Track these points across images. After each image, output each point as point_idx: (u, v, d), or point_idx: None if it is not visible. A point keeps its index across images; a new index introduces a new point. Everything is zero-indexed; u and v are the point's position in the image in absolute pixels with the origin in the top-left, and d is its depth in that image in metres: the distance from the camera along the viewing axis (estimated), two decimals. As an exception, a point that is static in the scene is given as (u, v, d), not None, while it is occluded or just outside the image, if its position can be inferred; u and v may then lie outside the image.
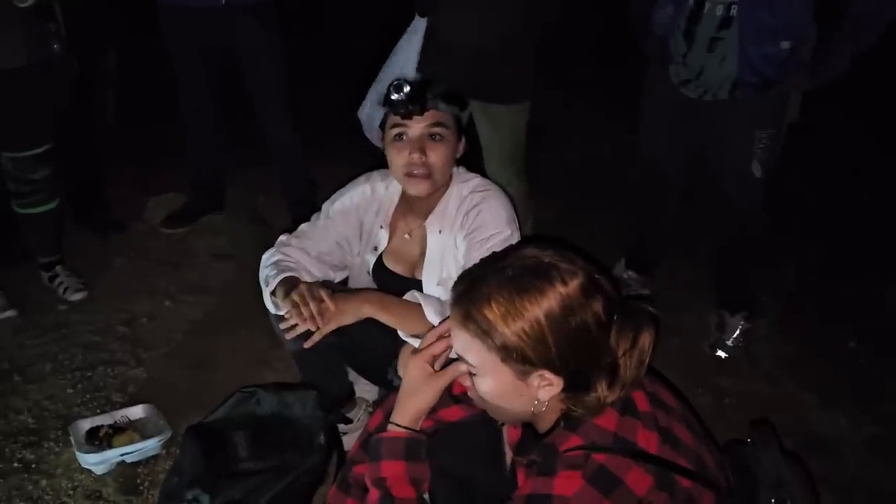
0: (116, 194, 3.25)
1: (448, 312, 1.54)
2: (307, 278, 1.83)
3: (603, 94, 4.39)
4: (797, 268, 3.08)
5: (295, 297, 1.66)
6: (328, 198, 1.97)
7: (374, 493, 1.28)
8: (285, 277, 1.76)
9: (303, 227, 1.93)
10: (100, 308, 2.67)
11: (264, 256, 1.87)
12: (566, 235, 3.10)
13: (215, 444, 1.76)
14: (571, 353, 1.13)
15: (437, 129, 1.75)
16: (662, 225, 2.82)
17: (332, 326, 1.66)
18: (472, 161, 2.63)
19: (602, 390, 1.13)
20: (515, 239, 1.75)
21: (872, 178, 3.75)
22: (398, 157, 1.76)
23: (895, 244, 3.21)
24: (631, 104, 2.64)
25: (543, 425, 1.25)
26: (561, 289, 1.12)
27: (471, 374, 1.22)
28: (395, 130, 1.76)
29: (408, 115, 1.73)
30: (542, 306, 1.11)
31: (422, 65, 2.57)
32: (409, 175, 1.77)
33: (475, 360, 1.18)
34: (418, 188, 1.78)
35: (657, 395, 1.22)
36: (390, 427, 1.31)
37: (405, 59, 2.60)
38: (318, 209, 1.97)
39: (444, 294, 1.75)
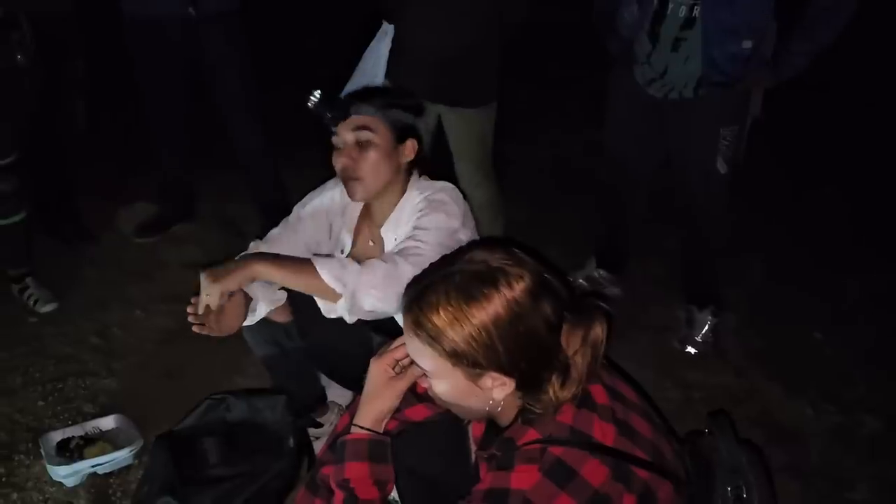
0: (86, 204, 3.22)
1: (349, 275, 1.57)
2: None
3: (573, 93, 4.44)
4: (763, 262, 3.13)
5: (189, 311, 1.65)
6: (299, 202, 1.98)
7: (339, 495, 1.29)
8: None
9: (273, 231, 1.93)
10: (71, 319, 2.65)
11: None
12: (537, 235, 3.18)
13: (185, 452, 1.76)
14: (521, 356, 1.15)
15: (362, 134, 1.73)
16: (629, 224, 2.86)
17: (218, 289, 1.59)
18: (442, 165, 2.68)
19: (555, 390, 1.16)
20: (459, 229, 1.71)
21: (834, 172, 3.83)
22: (335, 164, 1.77)
23: (857, 236, 3.28)
24: (601, 103, 2.67)
25: (504, 420, 1.27)
26: (507, 293, 1.13)
27: (427, 377, 1.24)
28: (333, 139, 1.77)
29: (332, 122, 1.73)
30: (488, 312, 1.13)
31: (390, 69, 2.59)
32: (345, 181, 1.78)
33: (428, 366, 1.20)
34: (353, 193, 1.78)
35: (616, 389, 1.25)
36: (353, 429, 1.33)
37: (374, 63, 2.62)
38: (290, 214, 1.98)
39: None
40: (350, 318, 1.63)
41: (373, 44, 2.64)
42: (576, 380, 1.16)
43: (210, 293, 1.60)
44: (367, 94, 1.80)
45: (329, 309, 1.64)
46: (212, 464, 1.76)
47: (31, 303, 2.68)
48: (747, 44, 2.22)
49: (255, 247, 1.88)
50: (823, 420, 2.32)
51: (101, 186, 3.43)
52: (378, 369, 1.33)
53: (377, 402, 1.32)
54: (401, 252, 1.64)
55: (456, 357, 1.15)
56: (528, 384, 1.18)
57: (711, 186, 2.46)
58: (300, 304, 1.92)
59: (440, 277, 1.18)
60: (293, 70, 4.50)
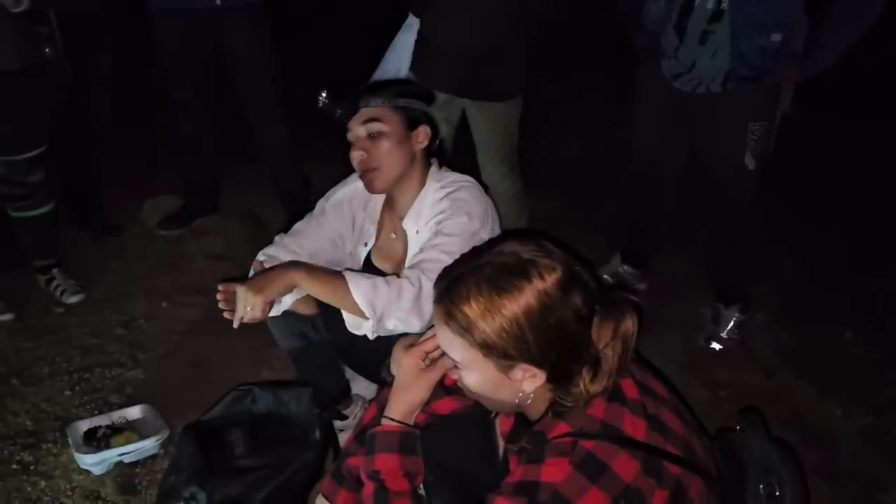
0: (112, 197, 3.26)
1: (379, 299, 1.60)
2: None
3: (601, 89, 4.40)
4: (792, 259, 3.09)
5: (219, 297, 1.66)
6: (322, 195, 1.99)
7: (369, 486, 1.29)
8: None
9: (297, 225, 1.94)
10: (97, 310, 2.68)
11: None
12: (562, 230, 3.15)
13: (212, 442, 1.77)
14: (552, 348, 1.14)
15: (372, 126, 1.74)
16: (657, 219, 2.83)
17: (261, 301, 1.61)
18: (466, 158, 2.67)
19: (585, 383, 1.14)
20: (479, 229, 1.71)
21: (865, 170, 3.76)
22: (352, 160, 1.79)
23: (888, 235, 3.22)
24: (628, 99, 2.65)
25: (534, 414, 1.26)
26: (539, 285, 1.13)
27: (457, 368, 1.23)
28: (348, 136, 1.79)
29: (344, 119, 1.75)
30: (520, 303, 1.12)
31: (414, 62, 2.59)
32: (362, 175, 1.79)
33: (458, 357, 1.19)
34: (372, 185, 1.79)
35: (646, 384, 1.23)
36: (384, 421, 1.32)
37: (399, 57, 2.62)
38: (313, 207, 1.98)
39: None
40: (372, 336, 1.67)
41: (398, 36, 2.64)
42: (606, 373, 1.15)
43: (253, 306, 1.61)
44: (374, 87, 1.81)
45: (355, 326, 1.67)
46: (238, 455, 1.76)
47: (58, 294, 2.71)
48: (776, 37, 2.18)
49: (279, 240, 1.89)
50: (854, 421, 2.28)
51: (127, 179, 3.46)
52: (409, 361, 1.32)
53: (408, 395, 1.32)
54: (425, 267, 1.64)
55: (487, 348, 1.14)
56: (559, 376, 1.17)
57: (740, 182, 2.43)
58: None
59: (471, 268, 1.18)
60: (318, 62, 4.52)
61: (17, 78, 2.36)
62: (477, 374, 1.20)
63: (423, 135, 1.80)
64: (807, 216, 3.41)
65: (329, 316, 1.93)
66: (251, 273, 1.73)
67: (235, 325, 1.63)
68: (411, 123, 1.79)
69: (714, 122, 2.38)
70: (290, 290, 1.66)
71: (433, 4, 2.49)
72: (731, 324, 2.61)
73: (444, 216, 1.73)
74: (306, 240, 1.89)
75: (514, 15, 2.46)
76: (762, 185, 2.45)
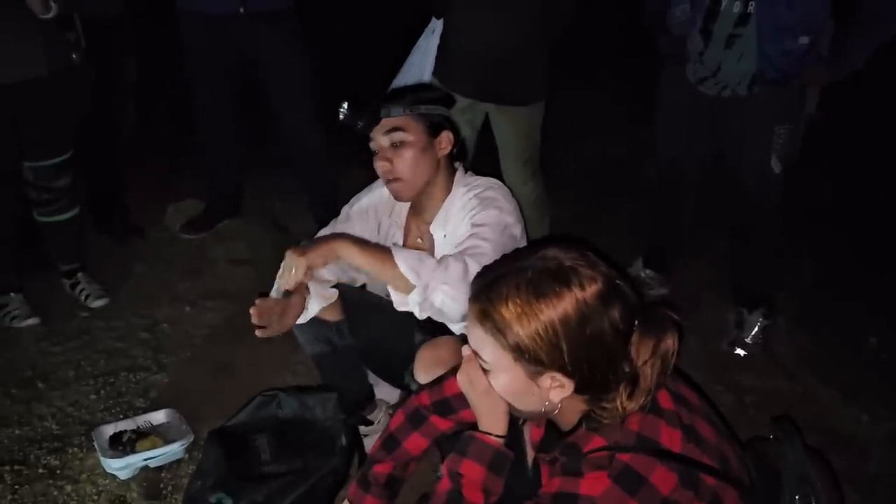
0: (136, 201, 3.29)
1: (425, 269, 1.56)
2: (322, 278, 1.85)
3: (621, 91, 4.39)
4: (816, 263, 3.06)
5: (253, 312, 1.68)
6: (348, 201, 2.00)
7: (445, 484, 1.27)
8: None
9: (321, 231, 1.94)
10: (121, 314, 2.70)
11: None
12: (583, 234, 3.10)
13: (237, 448, 1.77)
14: (585, 359, 1.13)
15: (395, 136, 1.74)
16: (679, 223, 2.82)
17: (304, 263, 1.59)
18: (488, 162, 2.67)
19: (623, 399, 1.13)
20: (512, 224, 1.70)
21: (890, 173, 3.72)
22: (377, 171, 1.79)
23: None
24: (649, 102, 2.64)
25: (565, 424, 1.25)
26: (578, 294, 1.12)
27: (485, 371, 1.22)
28: (371, 145, 1.78)
29: (365, 130, 1.74)
30: (557, 310, 1.11)
31: (437, 66, 2.59)
32: (387, 184, 1.79)
33: (489, 357, 1.18)
34: (398, 194, 1.80)
35: (680, 393, 1.22)
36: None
37: (422, 60, 2.63)
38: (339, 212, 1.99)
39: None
40: (420, 314, 1.61)
41: (421, 40, 2.65)
42: (644, 390, 1.13)
43: (297, 266, 1.59)
44: (394, 95, 1.80)
45: (401, 302, 1.62)
46: (264, 460, 1.77)
47: (83, 298, 2.73)
48: (804, 40, 2.17)
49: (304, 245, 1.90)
50: (880, 426, 2.26)
51: (151, 184, 3.49)
52: (466, 383, 1.28)
53: (491, 410, 1.27)
54: (466, 251, 1.63)
55: (518, 352, 1.14)
56: (588, 388, 1.16)
57: (765, 185, 2.42)
58: (351, 302, 1.93)
59: (512, 270, 1.17)
60: (342, 66, 4.53)
61: (46, 84, 2.38)
62: (504, 378, 1.19)
63: (445, 140, 1.80)
64: (830, 219, 3.39)
65: (354, 321, 1.94)
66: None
67: (254, 321, 1.66)
68: (434, 130, 1.78)
69: (740, 126, 2.36)
70: (335, 259, 1.63)
71: (456, 7, 2.49)
72: (756, 329, 2.59)
73: (475, 211, 1.73)
74: None
75: (537, 17, 2.46)
76: (786, 189, 2.43)
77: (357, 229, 1.92)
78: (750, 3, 2.14)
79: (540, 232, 2.76)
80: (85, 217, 2.83)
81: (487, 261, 1.42)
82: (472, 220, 1.71)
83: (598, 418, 1.16)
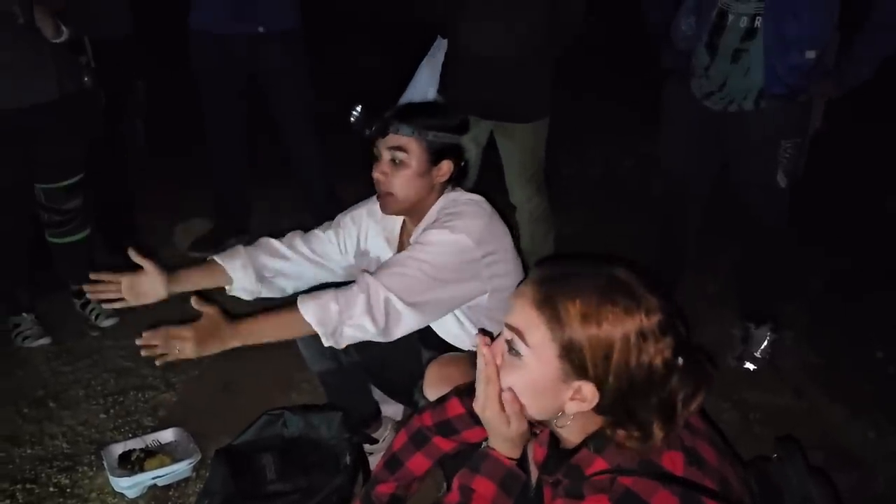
0: (146, 220, 3.32)
1: (330, 317, 1.59)
2: (276, 261, 1.91)
3: (628, 106, 4.40)
4: (823, 278, 3.05)
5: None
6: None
7: (455, 496, 1.27)
8: (211, 260, 1.86)
9: (314, 230, 2.00)
10: (130, 333, 2.64)
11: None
12: (588, 249, 3.15)
13: (243, 466, 1.79)
14: (626, 382, 1.13)
15: (396, 154, 1.75)
16: (685, 237, 2.81)
17: (191, 356, 1.64)
18: (493, 178, 2.70)
19: (657, 430, 1.12)
20: (468, 245, 1.69)
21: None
22: (373, 175, 1.80)
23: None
24: (655, 116, 2.65)
25: (567, 443, 1.25)
26: (644, 318, 1.12)
27: (511, 352, 1.18)
28: (374, 150, 1.80)
29: (370, 138, 1.76)
30: (622, 325, 1.11)
31: (442, 84, 2.62)
32: (378, 193, 1.81)
33: (533, 340, 1.15)
34: (383, 206, 1.81)
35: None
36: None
37: (427, 77, 2.66)
38: None
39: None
40: (338, 346, 1.67)
41: (427, 58, 2.68)
42: (678, 426, 1.14)
43: (186, 353, 1.64)
44: (408, 113, 1.79)
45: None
46: (269, 479, 1.78)
47: (93, 317, 2.76)
48: (810, 55, 2.17)
49: (290, 237, 1.97)
50: (888, 443, 2.24)
51: (161, 203, 3.53)
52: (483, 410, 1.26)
53: (505, 436, 1.26)
54: (384, 267, 1.67)
55: (568, 349, 1.12)
56: (611, 412, 1.16)
57: (771, 200, 2.41)
58: None
59: (587, 272, 1.17)
60: (350, 83, 4.57)
61: (57, 107, 2.41)
62: (537, 370, 1.15)
63: (445, 168, 1.80)
64: (837, 233, 3.37)
65: None
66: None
67: (159, 363, 1.66)
68: (436, 157, 1.78)
69: (745, 141, 2.36)
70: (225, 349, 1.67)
71: (459, 26, 2.52)
72: (765, 343, 2.58)
73: (429, 228, 1.74)
74: (317, 242, 1.96)
75: (541, 35, 2.48)
76: (792, 203, 2.43)
77: (343, 235, 1.96)
78: (757, 17, 2.15)
79: (545, 248, 2.78)
80: (95, 237, 2.87)
81: (396, 280, 1.55)
82: (421, 235, 1.73)
83: (606, 436, 1.16)
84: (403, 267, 1.65)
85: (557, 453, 1.28)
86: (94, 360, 2.59)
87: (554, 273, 1.18)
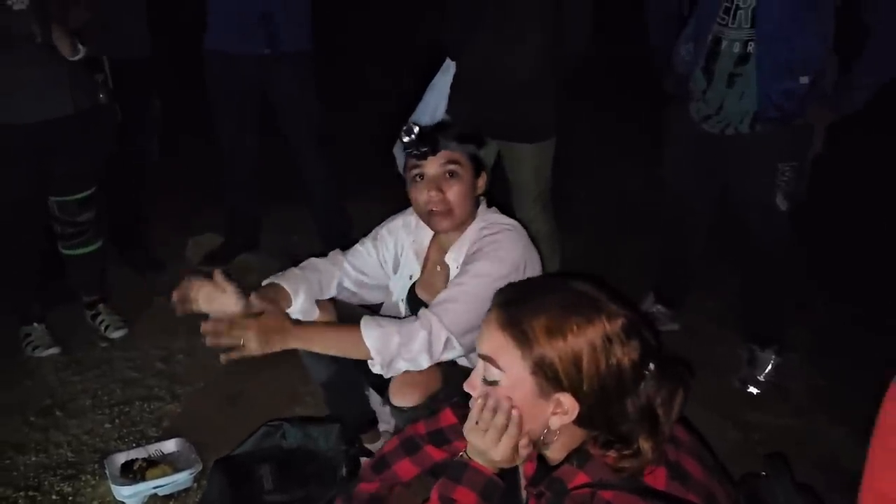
0: (158, 234, 3.39)
1: (389, 349, 1.63)
2: (331, 288, 1.94)
3: (635, 126, 4.41)
4: (828, 300, 3.03)
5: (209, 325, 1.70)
6: (363, 235, 2.07)
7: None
8: (276, 284, 1.85)
9: (355, 245, 2.03)
10: (139, 345, 2.76)
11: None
12: (595, 269, 3.14)
13: (242, 477, 1.81)
14: (599, 387, 1.15)
15: (451, 167, 1.80)
16: (690, 259, 2.82)
17: (256, 353, 1.65)
18: (500, 197, 2.71)
19: (643, 442, 1.14)
20: (508, 275, 1.72)
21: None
22: (419, 197, 1.83)
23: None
24: (660, 138, 2.67)
25: (554, 458, 1.26)
26: (606, 325, 1.16)
27: (489, 383, 1.21)
28: (414, 171, 1.83)
29: (422, 157, 1.79)
30: (586, 333, 1.15)
31: (451, 104, 2.65)
32: (431, 213, 1.83)
33: (504, 363, 1.18)
34: (441, 225, 1.84)
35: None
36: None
37: (437, 98, 2.69)
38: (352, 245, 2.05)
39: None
40: (386, 375, 1.72)
41: (435, 79, 2.71)
42: (663, 435, 1.15)
43: (250, 347, 1.64)
44: (448, 128, 1.87)
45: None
46: (267, 490, 1.80)
47: (103, 328, 2.80)
48: (804, 79, 2.19)
49: (334, 253, 2.01)
50: (893, 468, 2.21)
51: (174, 217, 3.59)
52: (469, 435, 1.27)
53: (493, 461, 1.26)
54: (441, 310, 1.70)
55: (539, 365, 1.15)
56: (592, 422, 1.18)
57: (772, 223, 2.42)
58: (348, 319, 1.95)
59: (547, 289, 1.22)
60: (364, 105, 4.65)
61: (72, 122, 2.47)
62: (512, 392, 1.18)
63: (483, 180, 1.89)
64: (843, 255, 3.35)
65: None
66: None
67: (224, 359, 1.68)
68: (477, 170, 1.87)
69: (744, 164, 2.38)
70: (284, 348, 1.69)
71: (467, 47, 2.56)
72: (769, 367, 2.57)
73: (475, 256, 1.78)
74: (358, 260, 1.99)
75: (547, 56, 2.52)
76: (796, 226, 2.43)
77: (382, 250, 2.00)
78: (749, 43, 2.17)
79: (551, 267, 2.78)
80: (108, 249, 2.92)
81: (456, 318, 1.60)
82: (469, 266, 1.76)
83: (587, 451, 1.17)
84: (460, 304, 1.70)
85: (544, 467, 1.29)
86: (102, 371, 2.62)
87: (516, 295, 1.22)
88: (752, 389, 2.56)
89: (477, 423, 1.22)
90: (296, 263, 3.27)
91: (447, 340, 1.67)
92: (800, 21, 2.15)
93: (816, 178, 2.47)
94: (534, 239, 2.71)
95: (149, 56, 3.04)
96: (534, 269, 1.81)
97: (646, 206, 3.55)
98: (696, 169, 2.52)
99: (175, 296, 1.75)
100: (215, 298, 1.73)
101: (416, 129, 1.79)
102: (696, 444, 1.27)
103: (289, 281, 1.87)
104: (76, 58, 2.39)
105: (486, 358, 1.21)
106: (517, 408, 1.19)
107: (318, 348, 1.71)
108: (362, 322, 1.68)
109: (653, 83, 2.65)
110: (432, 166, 1.81)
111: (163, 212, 3.45)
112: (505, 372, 1.19)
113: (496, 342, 1.20)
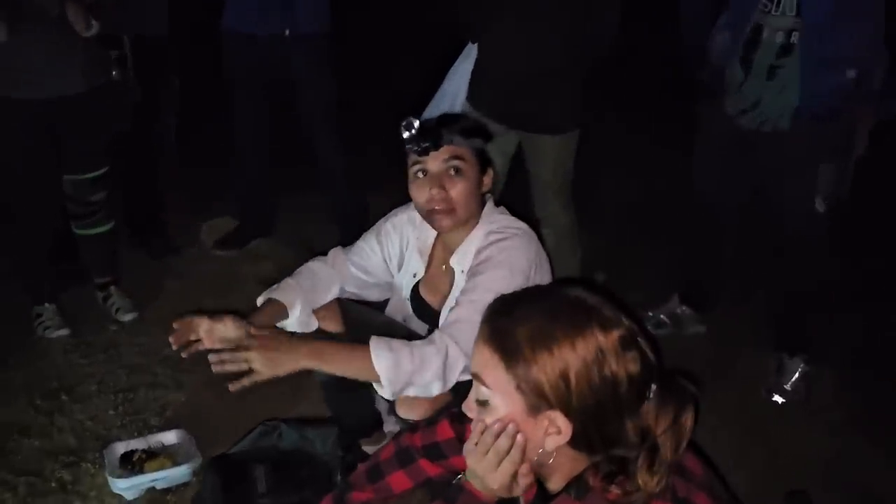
0: (174, 217, 3.35)
1: (401, 375, 1.53)
2: (330, 294, 1.84)
3: (665, 119, 4.26)
4: (866, 313, 2.86)
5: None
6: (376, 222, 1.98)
7: None
8: (272, 300, 1.77)
9: (358, 241, 1.95)
10: (148, 330, 2.72)
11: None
12: (618, 268, 3.04)
13: (236, 477, 1.77)
14: (592, 404, 1.05)
15: (455, 163, 1.70)
16: (719, 259, 2.69)
17: (266, 376, 1.57)
18: (519, 189, 2.61)
19: (643, 475, 1.04)
20: (521, 285, 1.61)
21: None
22: (419, 194, 1.73)
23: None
24: (689, 134, 2.54)
25: (553, 485, 1.17)
26: (599, 334, 1.05)
27: (480, 404, 1.13)
28: (415, 168, 1.73)
29: (423, 152, 1.69)
30: (574, 343, 1.04)
31: (470, 91, 2.55)
32: (432, 211, 1.73)
33: (490, 380, 1.10)
34: (441, 224, 1.73)
35: (680, 462, 1.13)
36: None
37: (457, 85, 2.60)
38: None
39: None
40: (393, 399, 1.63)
41: (456, 64, 2.62)
42: (664, 464, 1.04)
43: (258, 369, 1.56)
44: (452, 122, 1.76)
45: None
46: (260, 492, 1.75)
47: (114, 311, 2.78)
48: (850, 73, 2.05)
49: (334, 252, 1.92)
50: (926, 492, 2.08)
51: (190, 200, 3.55)
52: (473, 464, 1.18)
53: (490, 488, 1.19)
54: (455, 330, 1.59)
55: (524, 379, 1.06)
56: (589, 443, 1.08)
57: (808, 226, 2.29)
58: (353, 317, 1.88)
59: (531, 295, 1.13)
60: (380, 89, 4.55)
61: (84, 100, 2.44)
62: (502, 409, 1.10)
63: (489, 177, 1.79)
64: (884, 265, 3.17)
65: (355, 335, 1.85)
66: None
67: (233, 388, 1.59)
68: (483, 166, 1.77)
69: (781, 162, 2.25)
70: (295, 370, 1.61)
71: (489, 32, 2.45)
72: (796, 376, 2.45)
73: (485, 266, 1.67)
74: (360, 257, 1.90)
75: (573, 43, 2.39)
76: (834, 229, 2.30)
77: (386, 246, 1.91)
78: (793, 33, 2.03)
79: (571, 265, 2.68)
80: (122, 231, 2.89)
81: (471, 339, 1.39)
82: (478, 278, 1.65)
83: (586, 481, 1.07)
84: (473, 323, 1.57)
85: (542, 495, 1.20)
86: (110, 355, 2.60)
87: (501, 304, 1.12)
88: (778, 398, 2.44)
89: (476, 444, 1.14)
90: (311, 252, 3.23)
91: (466, 367, 1.55)
92: (849, 11, 2.02)
93: (857, 179, 2.32)
94: (554, 236, 2.64)
95: (166, 34, 2.99)
96: (543, 276, 1.71)
97: (673, 204, 3.41)
98: (728, 166, 2.40)
99: (174, 340, 1.67)
100: (215, 331, 1.66)
101: (416, 123, 1.68)
102: (710, 478, 1.17)
103: (284, 293, 1.79)
104: (89, 34, 2.35)
105: (474, 376, 1.13)
106: (522, 432, 1.10)
107: (328, 369, 1.61)
108: (372, 345, 1.57)
109: (683, 73, 2.52)
110: (434, 162, 1.70)
111: (178, 193, 3.41)
112: (493, 390, 1.10)
113: (482, 358, 1.11)
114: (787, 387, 2.44)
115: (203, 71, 3.16)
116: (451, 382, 1.58)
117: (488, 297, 1.56)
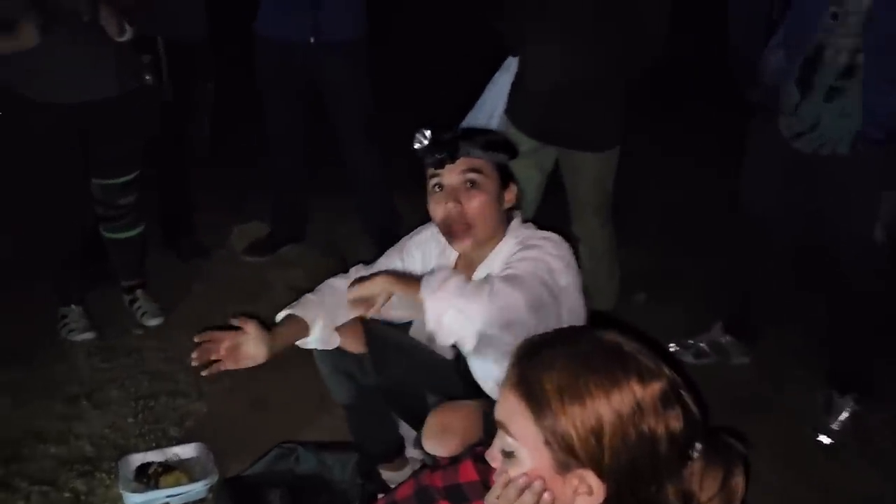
0: (206, 220, 3.32)
1: (446, 295, 1.40)
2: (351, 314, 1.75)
3: (713, 136, 4.11)
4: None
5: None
6: (409, 230, 1.91)
7: None
8: (292, 315, 1.70)
9: (380, 259, 1.87)
10: (173, 335, 2.68)
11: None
12: (658, 290, 2.91)
13: (249, 501, 1.68)
14: (628, 466, 0.95)
15: (471, 176, 1.61)
16: (767, 287, 2.55)
17: (389, 293, 1.50)
18: (558, 206, 2.51)
19: None
20: (559, 272, 1.54)
21: None
22: (436, 210, 1.65)
23: None
24: (736, 152, 2.41)
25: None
26: (636, 388, 0.95)
27: (505, 455, 1.03)
28: (432, 181, 1.65)
29: (439, 165, 1.61)
30: (609, 396, 0.94)
31: (509, 105, 2.47)
32: (448, 232, 1.65)
33: (516, 431, 1.01)
34: (460, 245, 1.65)
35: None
36: None
37: (496, 97, 2.53)
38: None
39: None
40: (439, 338, 1.48)
41: (496, 76, 2.55)
42: None
43: (381, 292, 1.50)
44: (470, 134, 1.69)
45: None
46: (274, 519, 1.67)
47: (139, 315, 2.74)
48: None
49: (355, 269, 1.83)
50: None
51: (222, 204, 3.52)
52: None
53: None
54: (496, 276, 1.48)
55: (551, 433, 0.96)
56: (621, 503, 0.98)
57: (866, 257, 2.16)
58: (376, 338, 1.80)
59: (563, 338, 1.03)
60: (422, 100, 4.48)
61: (116, 105, 2.41)
62: (529, 463, 1.00)
63: (511, 193, 1.70)
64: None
65: (377, 356, 1.81)
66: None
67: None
68: (504, 181, 1.68)
69: (840, 189, 2.11)
70: (390, 294, 1.54)
71: (528, 45, 2.36)
72: (845, 415, 2.30)
73: (515, 254, 1.59)
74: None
75: (613, 58, 2.29)
76: (893, 262, 2.15)
77: (408, 263, 1.83)
78: (858, 54, 1.90)
79: (609, 289, 2.58)
80: (153, 233, 2.86)
81: (520, 284, 1.34)
82: (509, 260, 1.57)
83: None
84: (514, 274, 1.50)
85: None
86: (133, 360, 2.56)
87: (529, 346, 1.01)
88: (824, 439, 2.29)
89: (498, 497, 1.04)
90: (342, 259, 3.19)
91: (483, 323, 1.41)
92: None
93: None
94: (592, 256, 2.52)
95: (204, 39, 2.97)
96: (575, 273, 1.59)
97: (717, 226, 3.27)
98: (780, 190, 2.26)
99: (196, 357, 1.63)
100: (240, 351, 1.62)
101: (428, 135, 1.59)
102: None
103: (305, 310, 1.72)
104: (123, 38, 2.32)
105: (499, 424, 1.03)
106: (549, 490, 0.99)
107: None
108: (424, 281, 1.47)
109: (730, 89, 2.39)
110: (451, 175, 1.62)
111: (213, 197, 3.38)
112: (519, 441, 1.00)
113: (508, 405, 1.01)
114: (834, 426, 2.30)
115: (238, 72, 3.12)
116: (494, 318, 1.41)
117: (523, 265, 1.50)
